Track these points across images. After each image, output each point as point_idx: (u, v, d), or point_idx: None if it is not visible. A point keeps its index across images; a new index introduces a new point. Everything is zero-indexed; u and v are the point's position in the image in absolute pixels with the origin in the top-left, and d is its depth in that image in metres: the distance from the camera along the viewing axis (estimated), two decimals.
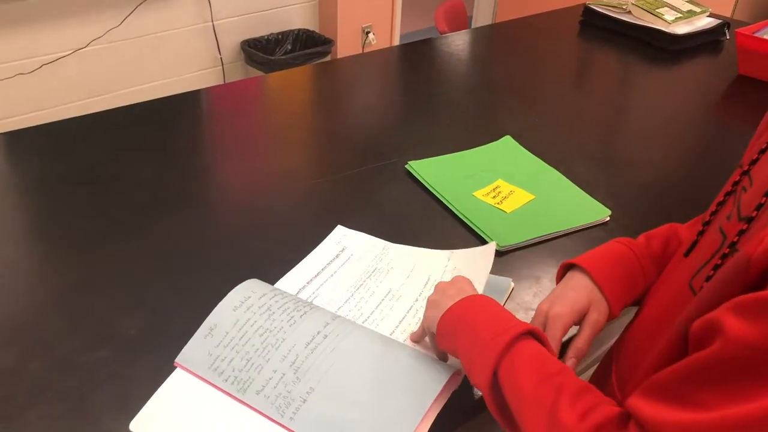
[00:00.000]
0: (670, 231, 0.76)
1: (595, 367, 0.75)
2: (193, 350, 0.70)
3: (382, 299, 0.80)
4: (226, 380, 0.67)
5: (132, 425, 0.63)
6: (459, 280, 0.70)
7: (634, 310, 0.95)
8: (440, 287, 0.70)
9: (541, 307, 0.70)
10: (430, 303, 0.68)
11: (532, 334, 0.59)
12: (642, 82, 1.57)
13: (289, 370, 0.67)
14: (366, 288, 0.82)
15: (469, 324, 0.62)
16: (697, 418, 0.43)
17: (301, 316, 0.72)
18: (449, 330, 0.64)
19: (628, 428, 0.47)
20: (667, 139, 1.29)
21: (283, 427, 0.63)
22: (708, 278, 0.52)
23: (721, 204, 0.60)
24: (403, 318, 0.77)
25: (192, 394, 0.67)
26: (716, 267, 0.52)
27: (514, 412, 0.55)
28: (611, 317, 0.70)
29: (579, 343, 0.67)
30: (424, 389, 0.65)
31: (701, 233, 0.61)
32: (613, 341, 0.75)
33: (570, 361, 0.66)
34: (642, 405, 0.47)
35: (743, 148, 0.66)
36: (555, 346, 0.66)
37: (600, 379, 0.69)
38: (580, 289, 0.69)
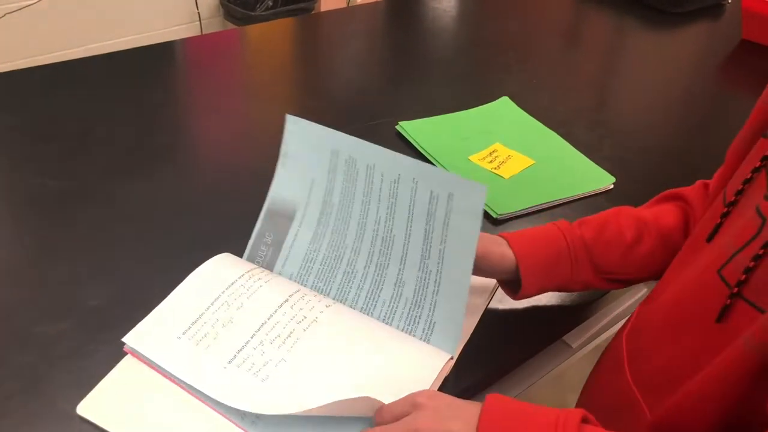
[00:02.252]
0: (609, 216, 0.70)
1: (600, 353, 0.70)
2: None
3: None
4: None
5: (79, 408, 0.56)
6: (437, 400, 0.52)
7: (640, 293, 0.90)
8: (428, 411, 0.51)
9: None
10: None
11: (582, 421, 0.49)
12: (642, 46, 1.50)
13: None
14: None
15: None
16: None
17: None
18: None
19: None
20: (668, 105, 1.23)
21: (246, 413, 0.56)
22: (747, 270, 0.46)
23: (747, 181, 0.53)
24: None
25: (148, 376, 0.59)
26: (757, 257, 0.46)
27: None
28: (523, 295, 0.66)
29: None
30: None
31: (725, 215, 0.54)
32: (619, 325, 0.70)
33: None
34: None
35: (746, 114, 0.60)
36: None
37: (611, 367, 0.63)
38: (496, 250, 0.65)
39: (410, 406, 0.51)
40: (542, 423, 0.47)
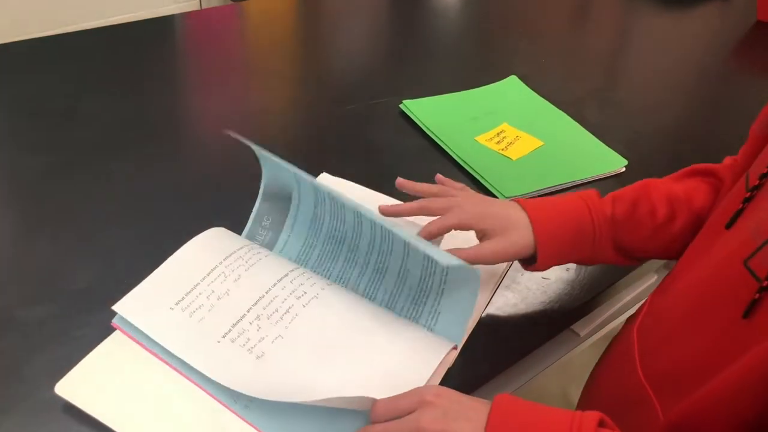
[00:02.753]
0: (640, 192, 0.65)
1: (608, 342, 0.66)
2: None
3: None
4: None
5: (58, 388, 0.53)
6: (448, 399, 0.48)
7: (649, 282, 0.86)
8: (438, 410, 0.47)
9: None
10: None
11: (599, 424, 0.45)
12: (655, 25, 1.46)
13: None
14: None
15: None
16: None
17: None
18: None
19: None
20: (681, 86, 1.20)
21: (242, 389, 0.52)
22: None
23: None
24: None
25: (136, 355, 0.56)
26: None
27: None
28: (535, 269, 0.62)
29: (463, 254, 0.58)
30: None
31: (748, 200, 0.50)
32: (627, 314, 0.66)
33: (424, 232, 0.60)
34: None
35: (761, 96, 0.57)
36: (438, 229, 0.60)
37: (621, 361, 0.59)
38: (507, 211, 0.61)
39: (417, 402, 0.48)
40: (555, 425, 0.44)
